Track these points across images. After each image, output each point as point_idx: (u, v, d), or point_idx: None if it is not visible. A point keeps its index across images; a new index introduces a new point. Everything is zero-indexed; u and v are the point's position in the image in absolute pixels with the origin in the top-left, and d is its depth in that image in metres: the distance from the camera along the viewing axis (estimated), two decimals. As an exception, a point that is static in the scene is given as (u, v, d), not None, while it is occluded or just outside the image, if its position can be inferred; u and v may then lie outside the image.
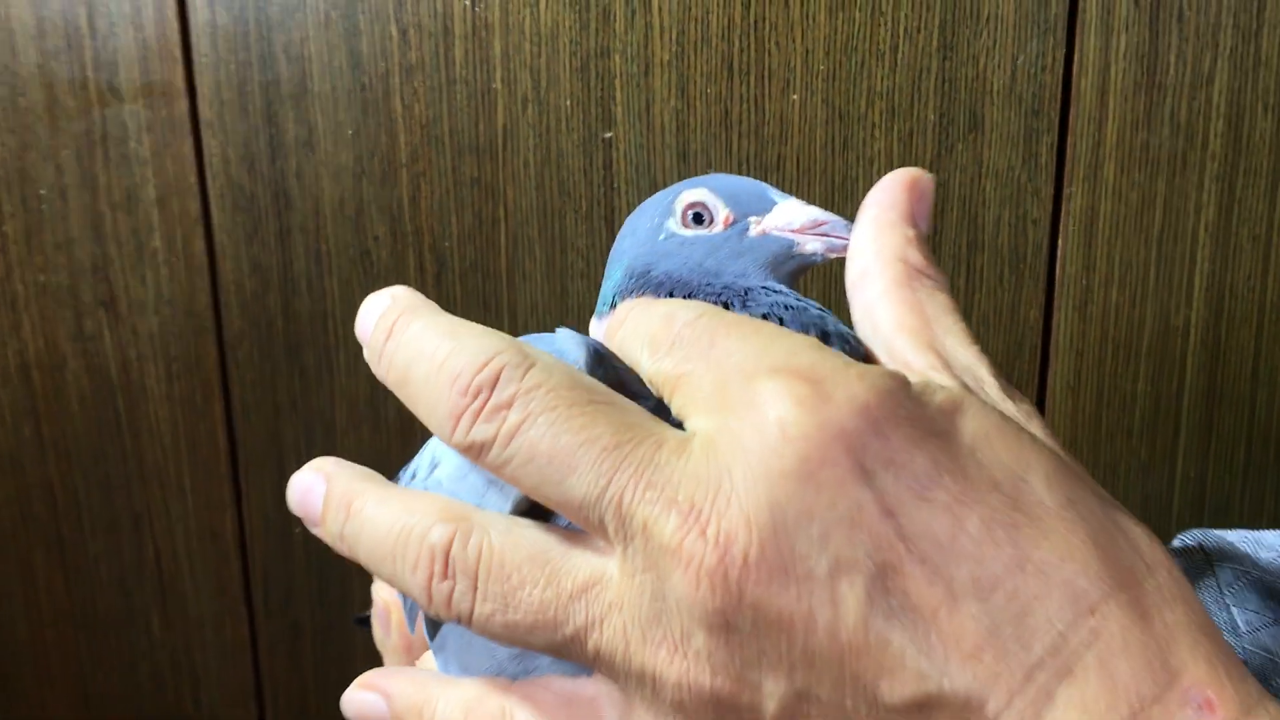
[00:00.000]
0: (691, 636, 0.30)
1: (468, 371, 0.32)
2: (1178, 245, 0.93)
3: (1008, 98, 0.88)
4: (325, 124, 0.90)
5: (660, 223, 0.44)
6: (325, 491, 0.36)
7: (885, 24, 0.86)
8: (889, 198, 0.38)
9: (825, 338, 0.37)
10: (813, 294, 0.89)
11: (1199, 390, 0.97)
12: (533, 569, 0.32)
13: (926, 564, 0.29)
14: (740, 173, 0.88)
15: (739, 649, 0.30)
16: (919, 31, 0.86)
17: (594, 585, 0.32)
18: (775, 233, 0.42)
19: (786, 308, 0.39)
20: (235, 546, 1.01)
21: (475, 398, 0.32)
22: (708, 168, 0.90)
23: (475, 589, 0.32)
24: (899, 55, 0.87)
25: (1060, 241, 0.92)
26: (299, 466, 0.37)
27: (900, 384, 0.31)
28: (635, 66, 0.88)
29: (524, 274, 0.93)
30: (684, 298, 0.40)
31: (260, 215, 0.93)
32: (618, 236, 0.46)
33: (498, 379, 0.32)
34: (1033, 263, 0.93)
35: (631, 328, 0.36)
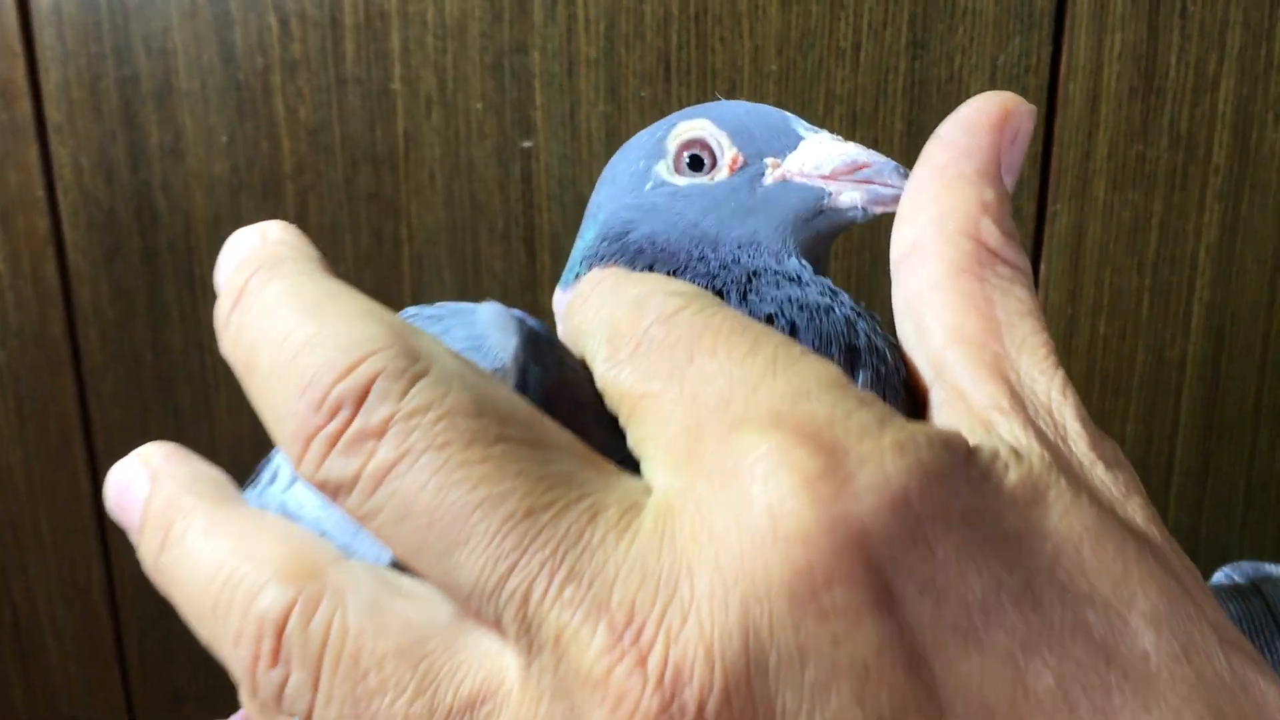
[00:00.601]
0: None
1: (325, 375, 0.23)
2: (1175, 270, 0.83)
3: None
4: (195, 128, 0.77)
5: (647, 167, 0.37)
6: (146, 498, 0.27)
7: (846, 17, 0.75)
8: (965, 138, 0.29)
9: (853, 358, 0.31)
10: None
11: (1195, 429, 0.88)
12: (400, 668, 0.23)
13: None
14: None
15: None
16: (885, 26, 0.75)
17: (482, 703, 0.23)
18: (799, 179, 0.35)
19: (802, 307, 0.32)
20: (105, 604, 0.89)
21: (332, 416, 0.23)
22: (642, 182, 0.78)
23: (316, 687, 0.23)
24: (862, 54, 0.77)
25: (1043, 266, 0.83)
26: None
27: (959, 459, 0.23)
28: (557, 64, 0.76)
29: (432, 302, 0.81)
30: (668, 274, 0.34)
31: (121, 233, 0.80)
32: (597, 183, 0.39)
33: (367, 391, 0.23)
34: (1011, 290, 0.82)
35: (592, 312, 0.28)
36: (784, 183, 0.35)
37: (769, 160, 0.35)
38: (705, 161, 0.36)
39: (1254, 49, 0.79)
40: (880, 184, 0.34)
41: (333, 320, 0.24)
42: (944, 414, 0.26)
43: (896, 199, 0.32)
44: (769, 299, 0.32)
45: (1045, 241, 0.83)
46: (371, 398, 0.23)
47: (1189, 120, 0.81)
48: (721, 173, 0.36)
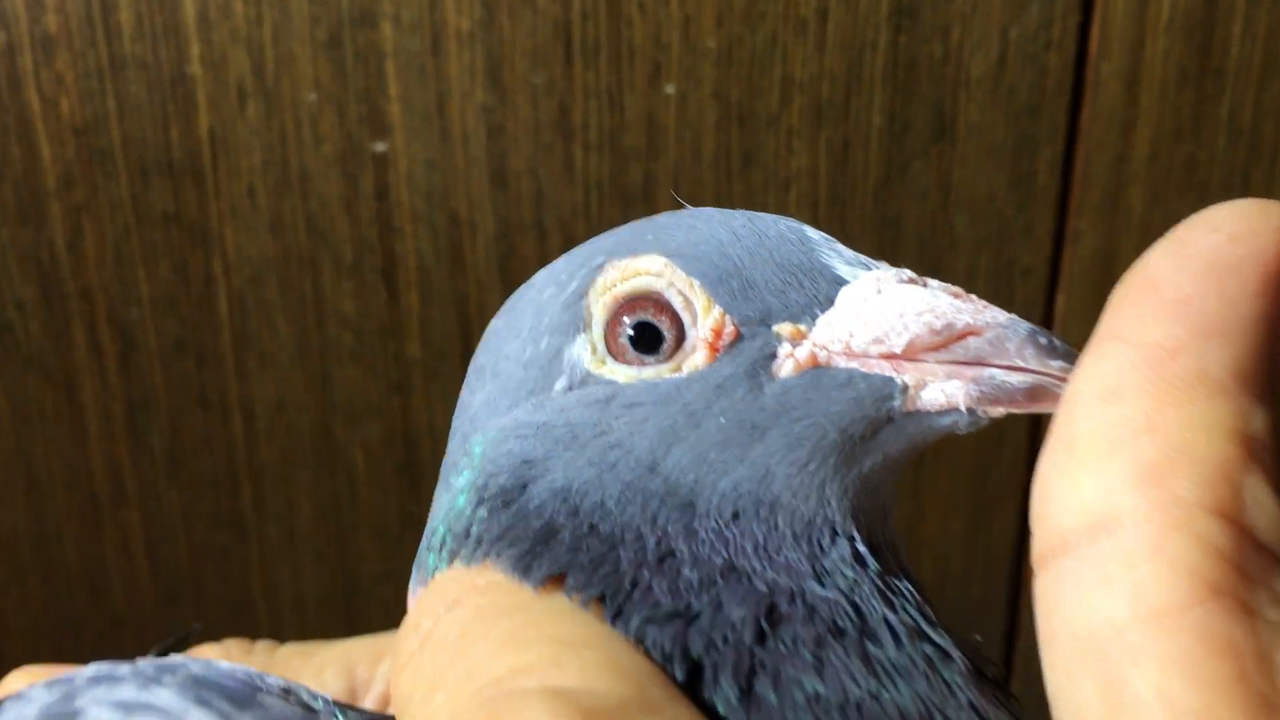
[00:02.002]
0: None
1: None
2: None
3: (992, 91, 0.62)
4: (-83, 130, 0.56)
5: (556, 347, 0.25)
6: None
7: (811, -23, 0.56)
8: (1204, 292, 0.19)
9: None
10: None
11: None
12: None
13: None
14: (587, 205, 0.58)
15: None
16: (863, -10, 0.56)
17: None
18: (844, 362, 0.24)
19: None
20: None
21: None
22: (539, 198, 0.59)
23: None
24: (830, 27, 0.60)
25: (1060, 299, 0.66)
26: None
27: None
28: (417, 40, 0.56)
29: (262, 356, 0.62)
30: (600, 598, 0.22)
31: None
32: (471, 367, 0.28)
33: None
34: (1020, 330, 0.63)
35: (419, 693, 0.21)
36: (816, 371, 0.24)
37: (782, 328, 0.24)
38: (664, 336, 0.25)
39: (1342, 18, 0.60)
40: (1002, 365, 0.23)
41: None
42: None
43: (1036, 394, 0.22)
44: (795, 700, 0.20)
45: (1064, 268, 0.66)
46: None
47: (1254, 111, 0.63)
48: (694, 356, 0.24)
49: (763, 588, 0.22)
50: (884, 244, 0.63)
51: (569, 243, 0.61)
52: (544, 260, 0.61)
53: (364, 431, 0.64)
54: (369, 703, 0.44)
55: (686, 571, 0.22)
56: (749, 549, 0.22)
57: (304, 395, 0.63)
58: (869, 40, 0.59)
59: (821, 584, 0.22)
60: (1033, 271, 0.65)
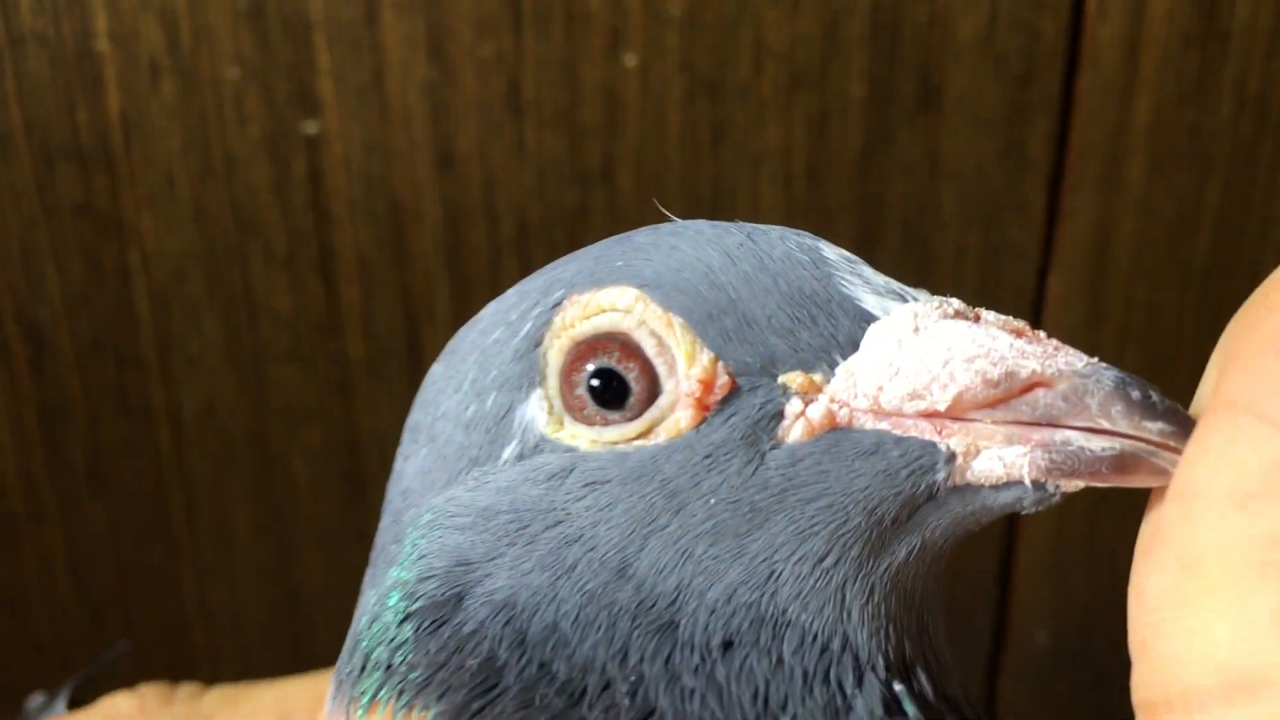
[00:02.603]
0: None
1: None
2: (1233, 282, 0.63)
3: (982, 56, 0.57)
4: None
5: (508, 405, 0.21)
6: None
7: (784, -66, 0.51)
8: None
9: None
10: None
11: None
12: None
13: None
14: (541, 189, 0.53)
15: None
16: (841, -53, 0.52)
17: None
18: (872, 423, 0.19)
19: None
20: None
21: None
22: (488, 182, 0.54)
23: None
24: None
25: (1052, 280, 0.62)
26: None
27: None
28: (349, 7, 0.51)
29: (189, 358, 0.56)
30: None
31: None
32: (406, 425, 0.23)
33: None
34: (1014, 313, 0.58)
35: None
36: (834, 435, 0.19)
37: (791, 379, 0.19)
38: (630, 388, 0.20)
39: (1357, -26, 0.56)
40: (1081, 427, 0.17)
41: None
42: None
43: (1126, 464, 0.17)
44: None
45: (1056, 247, 0.61)
46: None
47: (1262, 76, 0.59)
48: (676, 416, 0.19)
49: None
50: (865, 224, 0.59)
51: (522, 230, 0.56)
52: (495, 250, 0.56)
53: (303, 437, 0.59)
54: (308, 756, 0.39)
55: None
56: (746, 702, 0.17)
57: (236, 399, 0.58)
58: (847, 2, 0.54)
59: (842, 702, 0.17)
60: (1025, 251, 0.60)
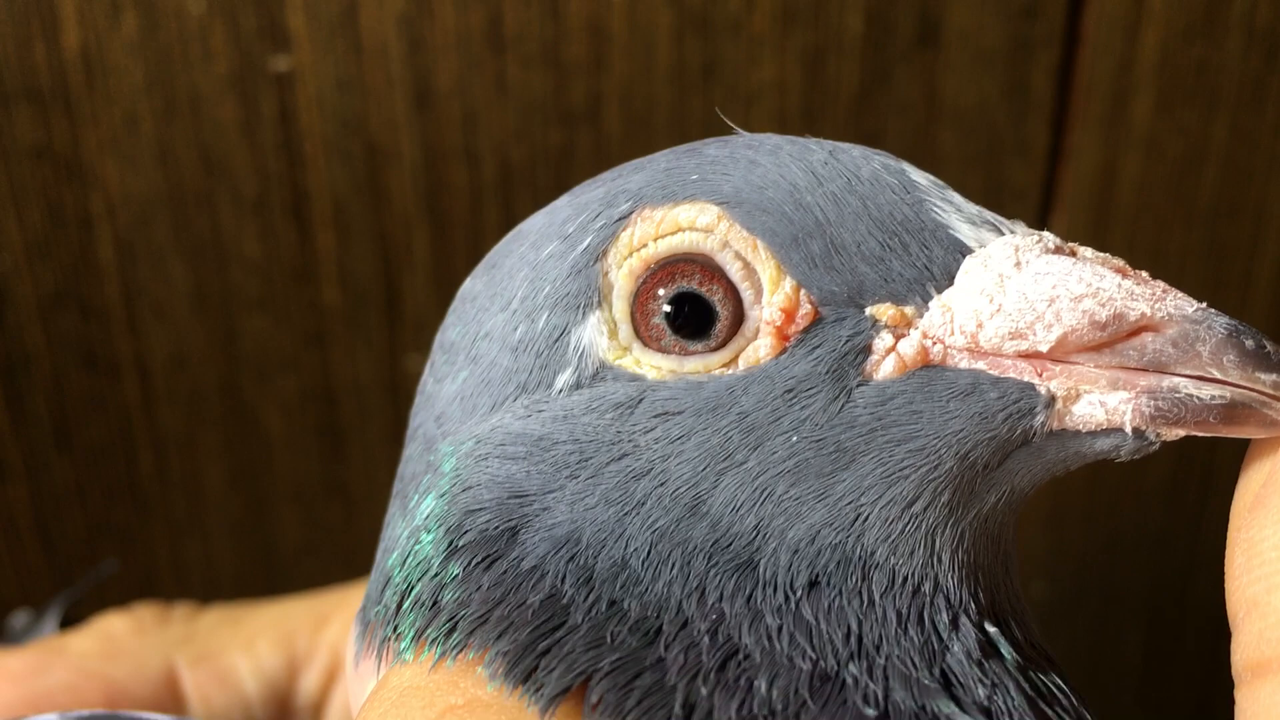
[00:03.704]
0: None
1: None
2: (1239, 223, 0.61)
3: None
4: None
5: (563, 327, 0.19)
6: None
7: None
8: None
9: None
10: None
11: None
12: None
13: None
14: (524, 128, 0.51)
15: None
16: None
17: None
18: (966, 361, 0.18)
19: None
20: None
21: None
22: (468, 121, 0.51)
23: None
24: None
25: (1057, 219, 0.60)
26: None
27: None
28: None
29: (156, 307, 0.54)
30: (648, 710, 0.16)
31: None
32: (437, 343, 0.21)
33: None
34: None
35: None
36: (927, 373, 0.17)
37: (881, 311, 0.18)
38: (716, 315, 0.18)
39: (1374, -100, 0.54)
40: (1190, 375, 0.16)
41: None
42: None
43: (1236, 415, 0.16)
44: None
45: (1060, 186, 0.60)
46: None
47: (1272, 9, 0.56)
48: (755, 345, 0.18)
49: (873, 715, 0.15)
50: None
51: (504, 171, 0.54)
52: (476, 193, 0.54)
53: (277, 388, 0.57)
54: (313, 678, 0.38)
55: (762, 686, 0.15)
56: (838, 641, 0.16)
57: (206, 350, 0.56)
58: (844, -69, 0.52)
59: (959, 703, 0.16)
60: (1027, 192, 0.58)
